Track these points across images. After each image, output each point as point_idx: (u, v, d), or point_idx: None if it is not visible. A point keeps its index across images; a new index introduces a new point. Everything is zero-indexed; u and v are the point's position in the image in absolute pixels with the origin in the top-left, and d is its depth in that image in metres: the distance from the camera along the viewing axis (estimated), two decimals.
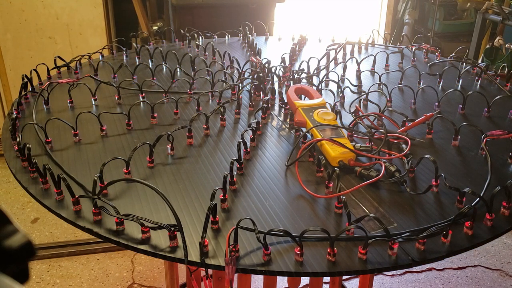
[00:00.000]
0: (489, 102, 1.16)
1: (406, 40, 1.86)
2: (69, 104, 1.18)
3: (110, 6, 2.78)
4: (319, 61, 1.42)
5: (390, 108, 1.16)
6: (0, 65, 2.67)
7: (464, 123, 1.04)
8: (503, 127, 1.07)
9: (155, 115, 1.10)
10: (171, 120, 1.12)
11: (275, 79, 1.34)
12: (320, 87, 1.23)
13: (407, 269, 2.10)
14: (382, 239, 0.70)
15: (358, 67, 1.45)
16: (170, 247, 0.70)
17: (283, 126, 1.11)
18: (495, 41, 2.96)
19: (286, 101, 1.13)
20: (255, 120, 1.03)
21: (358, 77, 1.43)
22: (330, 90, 1.25)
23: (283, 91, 1.28)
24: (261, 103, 1.19)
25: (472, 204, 0.76)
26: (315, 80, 1.35)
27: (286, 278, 1.63)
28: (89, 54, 1.47)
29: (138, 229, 0.72)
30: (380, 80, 1.34)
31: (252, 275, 1.27)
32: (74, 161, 0.93)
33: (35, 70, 1.27)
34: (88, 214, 0.77)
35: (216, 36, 1.79)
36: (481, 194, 0.80)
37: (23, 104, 1.18)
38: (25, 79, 1.21)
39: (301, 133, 1.03)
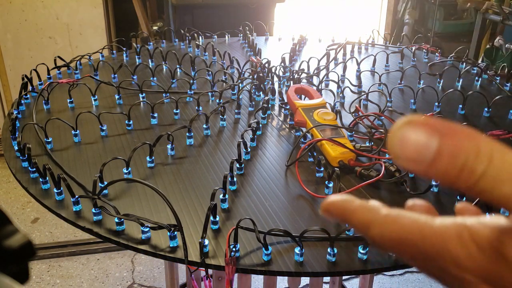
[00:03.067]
0: (489, 102, 1.16)
1: (406, 40, 1.86)
2: (69, 104, 1.19)
3: (110, 6, 2.78)
4: (319, 61, 1.42)
5: (390, 108, 1.16)
6: (0, 65, 2.67)
7: (464, 123, 1.04)
8: (503, 127, 1.06)
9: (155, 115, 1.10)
10: (171, 120, 1.12)
11: (275, 79, 1.34)
12: (320, 87, 1.23)
13: (407, 269, 2.10)
14: None
15: (358, 67, 1.45)
16: (170, 247, 0.70)
17: (283, 126, 1.11)
18: (495, 41, 2.96)
19: (286, 101, 1.13)
20: (255, 120, 1.03)
21: (358, 77, 1.43)
22: (330, 90, 1.25)
23: (283, 91, 1.28)
24: (261, 103, 1.19)
25: (472, 204, 0.76)
26: (315, 80, 1.35)
27: (286, 278, 1.63)
28: (89, 54, 1.47)
29: (138, 229, 0.72)
30: (380, 80, 1.34)
31: (252, 275, 1.27)
32: (74, 161, 0.93)
33: (35, 70, 1.27)
34: (88, 214, 0.77)
35: (216, 36, 1.79)
36: None
37: (23, 104, 1.18)
38: (25, 79, 1.21)
39: (301, 133, 1.03)
